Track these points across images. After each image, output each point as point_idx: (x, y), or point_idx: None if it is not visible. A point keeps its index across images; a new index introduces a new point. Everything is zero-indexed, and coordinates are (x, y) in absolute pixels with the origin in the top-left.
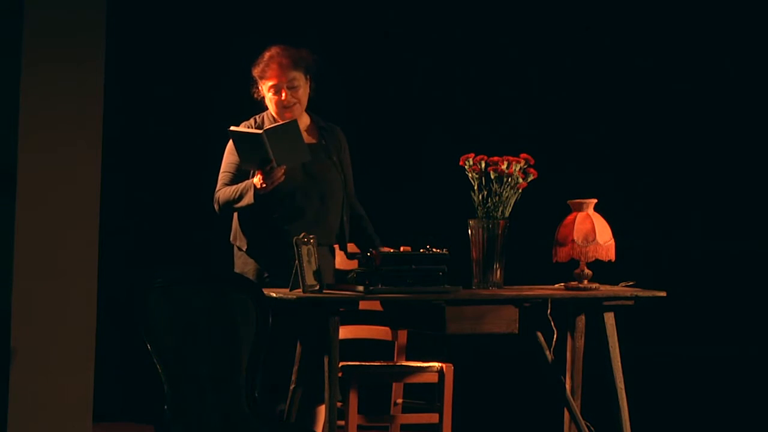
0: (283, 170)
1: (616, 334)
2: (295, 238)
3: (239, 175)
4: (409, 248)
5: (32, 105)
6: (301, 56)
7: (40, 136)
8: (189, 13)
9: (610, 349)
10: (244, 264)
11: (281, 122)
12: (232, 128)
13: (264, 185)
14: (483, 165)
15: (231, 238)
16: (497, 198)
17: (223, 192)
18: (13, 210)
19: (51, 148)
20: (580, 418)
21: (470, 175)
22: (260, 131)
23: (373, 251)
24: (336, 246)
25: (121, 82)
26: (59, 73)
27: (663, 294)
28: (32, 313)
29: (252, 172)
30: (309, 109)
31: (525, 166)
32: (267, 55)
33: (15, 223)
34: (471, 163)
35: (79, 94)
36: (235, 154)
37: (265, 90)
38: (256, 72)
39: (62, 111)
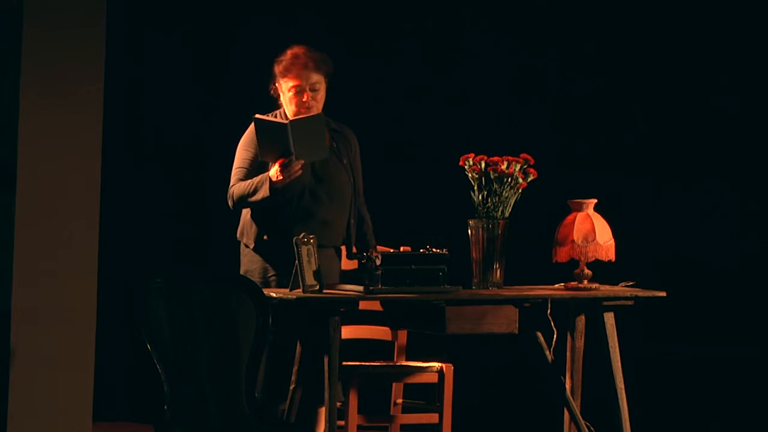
0: (300, 164)
1: (616, 334)
2: (295, 238)
3: (253, 170)
4: (409, 248)
5: (32, 103)
6: (323, 60)
7: (40, 136)
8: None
9: (610, 349)
10: (250, 262)
11: (308, 115)
12: (258, 116)
13: (280, 177)
14: (483, 165)
15: (238, 234)
16: (497, 198)
17: (238, 186)
18: (12, 210)
19: (51, 147)
20: (580, 418)
21: (470, 175)
22: (286, 121)
23: (373, 251)
24: (342, 247)
25: (120, 80)
26: (60, 71)
27: (663, 294)
28: (32, 313)
29: (269, 164)
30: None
31: (525, 166)
32: (290, 53)
33: (15, 223)
34: (471, 163)
35: (80, 92)
36: (249, 149)
37: (285, 89)
38: (278, 69)
39: (62, 111)
